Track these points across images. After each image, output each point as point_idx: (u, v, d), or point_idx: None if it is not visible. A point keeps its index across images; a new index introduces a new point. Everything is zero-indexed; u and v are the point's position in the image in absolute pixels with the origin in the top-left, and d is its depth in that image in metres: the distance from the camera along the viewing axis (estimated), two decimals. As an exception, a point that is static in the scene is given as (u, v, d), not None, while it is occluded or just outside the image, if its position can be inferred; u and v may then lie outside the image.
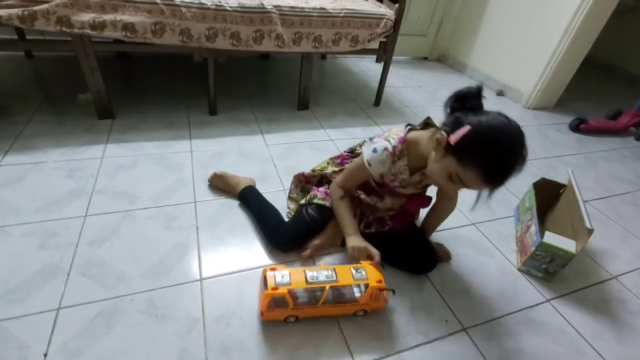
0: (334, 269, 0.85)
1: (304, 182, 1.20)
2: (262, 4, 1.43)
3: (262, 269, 0.98)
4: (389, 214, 1.05)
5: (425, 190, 1.04)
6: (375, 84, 2.13)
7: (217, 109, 1.70)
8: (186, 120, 1.62)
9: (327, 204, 1.04)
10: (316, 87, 2.13)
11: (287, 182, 1.26)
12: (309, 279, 0.82)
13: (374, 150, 0.88)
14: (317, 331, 0.85)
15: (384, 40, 1.80)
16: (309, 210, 1.05)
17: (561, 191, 1.29)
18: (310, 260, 1.03)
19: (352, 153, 1.10)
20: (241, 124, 1.66)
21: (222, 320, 0.84)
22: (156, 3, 1.28)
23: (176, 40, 1.38)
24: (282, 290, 0.79)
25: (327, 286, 0.81)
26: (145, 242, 1.00)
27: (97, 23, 1.26)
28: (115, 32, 1.29)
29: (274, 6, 1.45)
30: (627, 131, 2.18)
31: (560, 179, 1.32)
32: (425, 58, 3.06)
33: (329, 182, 1.09)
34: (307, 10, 1.52)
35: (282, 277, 0.81)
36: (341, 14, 1.58)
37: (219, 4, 1.36)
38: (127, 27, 1.29)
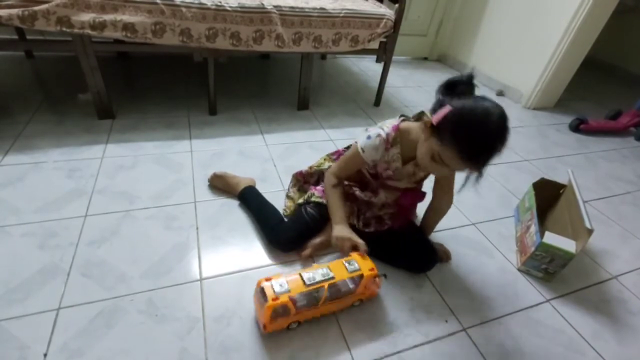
0: (328, 267, 0.85)
1: (302, 182, 1.20)
2: (262, 4, 1.44)
3: (262, 269, 0.98)
4: (387, 212, 1.06)
5: (420, 186, 1.05)
6: (375, 84, 2.13)
7: (217, 109, 1.70)
8: (186, 120, 1.62)
9: (325, 201, 1.04)
10: (316, 87, 2.13)
11: (287, 182, 1.26)
12: (307, 281, 0.80)
13: (368, 137, 0.91)
14: (316, 331, 0.85)
15: (384, 40, 1.80)
16: (308, 209, 1.05)
17: (561, 191, 1.29)
18: (310, 259, 1.03)
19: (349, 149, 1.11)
20: (241, 124, 1.66)
21: (222, 320, 0.84)
22: (156, 3, 1.29)
23: (176, 41, 1.38)
24: (284, 298, 0.76)
25: (326, 285, 0.81)
26: (145, 242, 1.01)
27: (97, 23, 1.26)
28: (116, 32, 1.29)
29: (274, 6, 1.45)
30: (627, 131, 2.18)
31: (560, 179, 1.32)
32: (425, 58, 3.06)
33: None
34: (307, 10, 1.52)
35: (281, 285, 0.78)
36: (341, 14, 1.58)
37: (219, 4, 1.37)
38: (127, 27, 1.29)
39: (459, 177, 0.83)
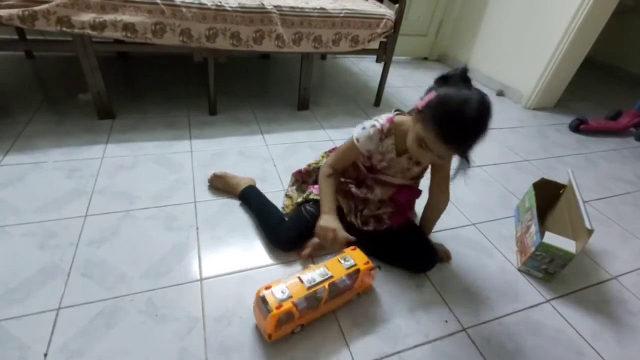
0: (325, 266, 0.85)
1: (300, 181, 1.21)
2: (262, 4, 1.44)
3: (262, 269, 0.98)
4: (386, 211, 1.05)
5: (417, 184, 1.06)
6: (375, 84, 2.13)
7: (217, 109, 1.70)
8: (186, 120, 1.62)
9: None
10: (316, 87, 2.13)
11: (287, 182, 1.26)
12: (307, 283, 0.79)
13: (363, 128, 0.94)
14: (316, 331, 0.85)
15: (384, 40, 1.80)
16: (307, 207, 1.06)
17: (561, 191, 1.29)
18: (310, 259, 1.03)
19: None
20: (241, 124, 1.66)
21: (222, 320, 0.84)
22: (156, 3, 1.29)
23: (176, 41, 1.38)
24: (287, 305, 0.75)
25: (326, 284, 0.81)
26: (145, 242, 1.01)
27: (98, 23, 1.26)
28: (116, 32, 1.29)
29: (274, 6, 1.45)
30: (627, 132, 2.18)
31: (560, 179, 1.32)
32: (426, 58, 3.06)
33: None
34: (307, 10, 1.52)
35: (282, 292, 0.76)
36: (341, 14, 1.58)
37: (219, 4, 1.37)
38: (128, 27, 1.29)
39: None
